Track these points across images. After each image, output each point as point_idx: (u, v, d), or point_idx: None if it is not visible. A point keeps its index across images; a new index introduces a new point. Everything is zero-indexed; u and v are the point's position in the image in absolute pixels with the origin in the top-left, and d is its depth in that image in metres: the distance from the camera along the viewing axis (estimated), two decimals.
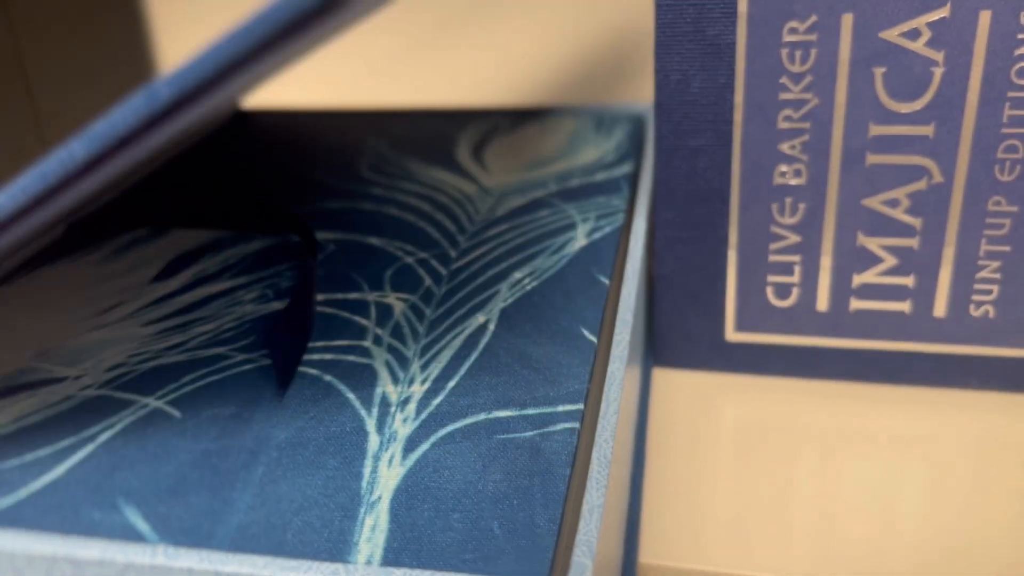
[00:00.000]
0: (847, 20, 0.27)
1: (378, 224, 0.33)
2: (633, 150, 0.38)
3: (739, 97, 0.29)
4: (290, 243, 0.32)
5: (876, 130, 0.28)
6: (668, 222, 0.31)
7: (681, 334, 0.32)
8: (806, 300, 0.31)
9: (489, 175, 0.37)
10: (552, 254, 0.30)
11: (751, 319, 0.32)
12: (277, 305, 0.28)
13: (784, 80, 0.28)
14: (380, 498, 0.20)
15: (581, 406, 0.22)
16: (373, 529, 0.19)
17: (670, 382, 0.33)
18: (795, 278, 0.31)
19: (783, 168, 0.29)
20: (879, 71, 0.27)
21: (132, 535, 0.20)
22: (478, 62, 0.54)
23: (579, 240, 0.31)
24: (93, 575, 0.20)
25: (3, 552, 0.20)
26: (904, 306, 0.30)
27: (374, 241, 0.32)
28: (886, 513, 0.27)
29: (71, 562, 0.20)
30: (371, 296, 0.28)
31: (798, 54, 0.28)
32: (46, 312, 0.28)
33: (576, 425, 0.22)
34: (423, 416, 0.23)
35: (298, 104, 0.48)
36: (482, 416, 0.22)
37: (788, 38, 0.27)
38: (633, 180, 0.36)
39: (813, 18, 0.27)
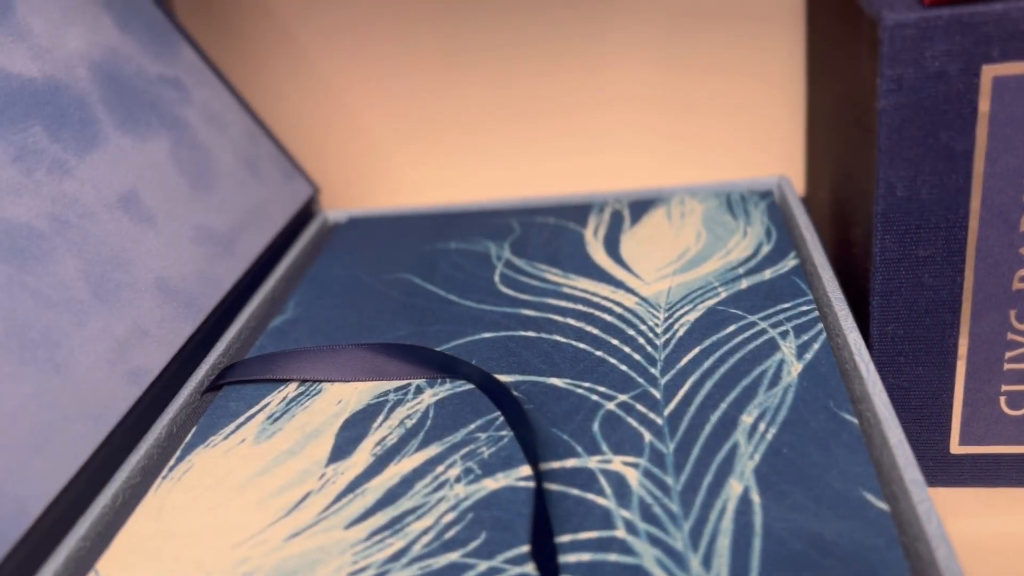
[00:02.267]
0: None
1: (549, 357, 0.30)
2: (784, 236, 0.36)
3: (975, 203, 0.26)
4: (469, 393, 0.28)
5: None
6: (889, 335, 0.28)
7: None
8: None
9: (641, 281, 0.34)
10: (771, 386, 0.27)
11: (979, 431, 0.29)
12: (490, 483, 0.25)
13: None
14: None
15: None
16: None
17: None
18: None
19: (1023, 273, 0.26)
20: None
21: None
22: (565, 150, 0.51)
23: (791, 363, 0.28)
24: None
25: None
26: None
27: (556, 382, 0.29)
28: None
29: None
30: (592, 462, 0.25)
31: None
32: (226, 515, 0.25)
33: None
34: None
35: (389, 207, 0.44)
36: None
37: None
38: (805, 275, 0.33)
39: None
